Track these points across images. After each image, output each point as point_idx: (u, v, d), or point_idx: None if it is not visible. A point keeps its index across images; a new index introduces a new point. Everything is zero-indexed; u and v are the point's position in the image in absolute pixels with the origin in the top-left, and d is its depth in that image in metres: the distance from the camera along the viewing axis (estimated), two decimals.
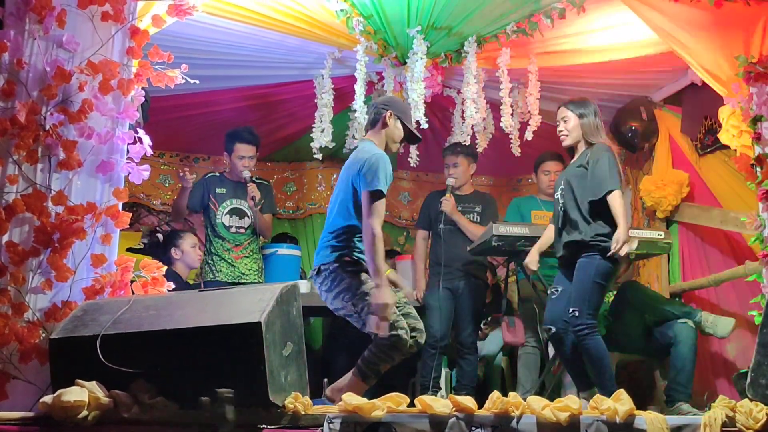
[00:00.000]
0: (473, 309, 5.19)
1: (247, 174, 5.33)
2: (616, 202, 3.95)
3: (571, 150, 4.31)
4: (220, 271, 5.33)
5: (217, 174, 5.58)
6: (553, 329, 4.15)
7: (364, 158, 3.74)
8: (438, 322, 5.07)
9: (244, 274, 5.35)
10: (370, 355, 3.69)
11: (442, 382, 5.16)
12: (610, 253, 3.92)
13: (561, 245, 4.17)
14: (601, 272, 3.95)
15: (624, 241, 3.90)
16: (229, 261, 5.34)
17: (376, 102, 4.04)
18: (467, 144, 5.17)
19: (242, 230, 5.42)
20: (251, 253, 5.44)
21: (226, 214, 5.40)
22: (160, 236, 5.71)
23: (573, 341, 4.06)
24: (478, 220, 5.32)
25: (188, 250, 5.27)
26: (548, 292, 4.36)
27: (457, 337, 5.23)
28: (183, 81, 3.53)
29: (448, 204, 5.20)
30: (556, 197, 4.27)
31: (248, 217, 5.42)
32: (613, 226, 3.97)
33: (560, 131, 4.27)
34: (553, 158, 5.43)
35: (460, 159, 5.35)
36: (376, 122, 3.94)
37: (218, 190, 5.44)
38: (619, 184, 3.98)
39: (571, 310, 3.95)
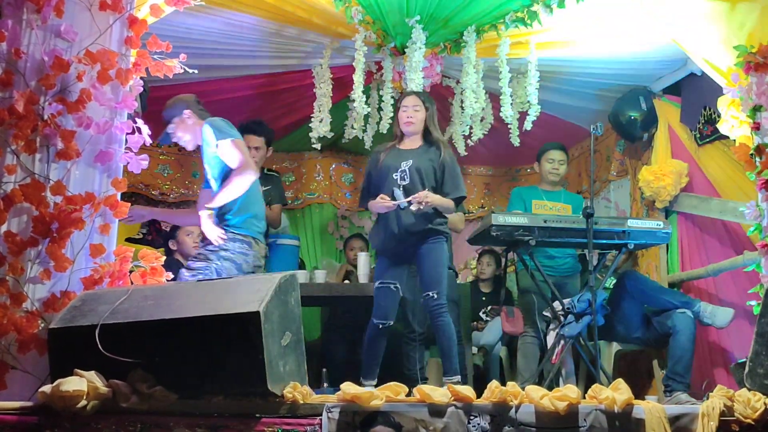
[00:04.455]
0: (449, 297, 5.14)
1: None
2: (451, 204, 4.22)
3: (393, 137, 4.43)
4: None
5: None
6: (390, 323, 4.18)
7: None
8: (416, 313, 5.01)
9: None
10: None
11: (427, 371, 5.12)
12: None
13: (405, 231, 4.14)
14: (447, 257, 4.23)
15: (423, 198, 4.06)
16: None
17: None
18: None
19: None
20: None
21: None
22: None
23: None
24: None
25: (183, 239, 5.25)
26: (391, 287, 4.25)
27: None
28: (181, 71, 3.52)
29: None
30: (400, 183, 4.21)
31: None
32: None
33: (409, 117, 4.33)
34: (557, 147, 5.40)
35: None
36: None
37: None
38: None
39: (429, 293, 4.08)
